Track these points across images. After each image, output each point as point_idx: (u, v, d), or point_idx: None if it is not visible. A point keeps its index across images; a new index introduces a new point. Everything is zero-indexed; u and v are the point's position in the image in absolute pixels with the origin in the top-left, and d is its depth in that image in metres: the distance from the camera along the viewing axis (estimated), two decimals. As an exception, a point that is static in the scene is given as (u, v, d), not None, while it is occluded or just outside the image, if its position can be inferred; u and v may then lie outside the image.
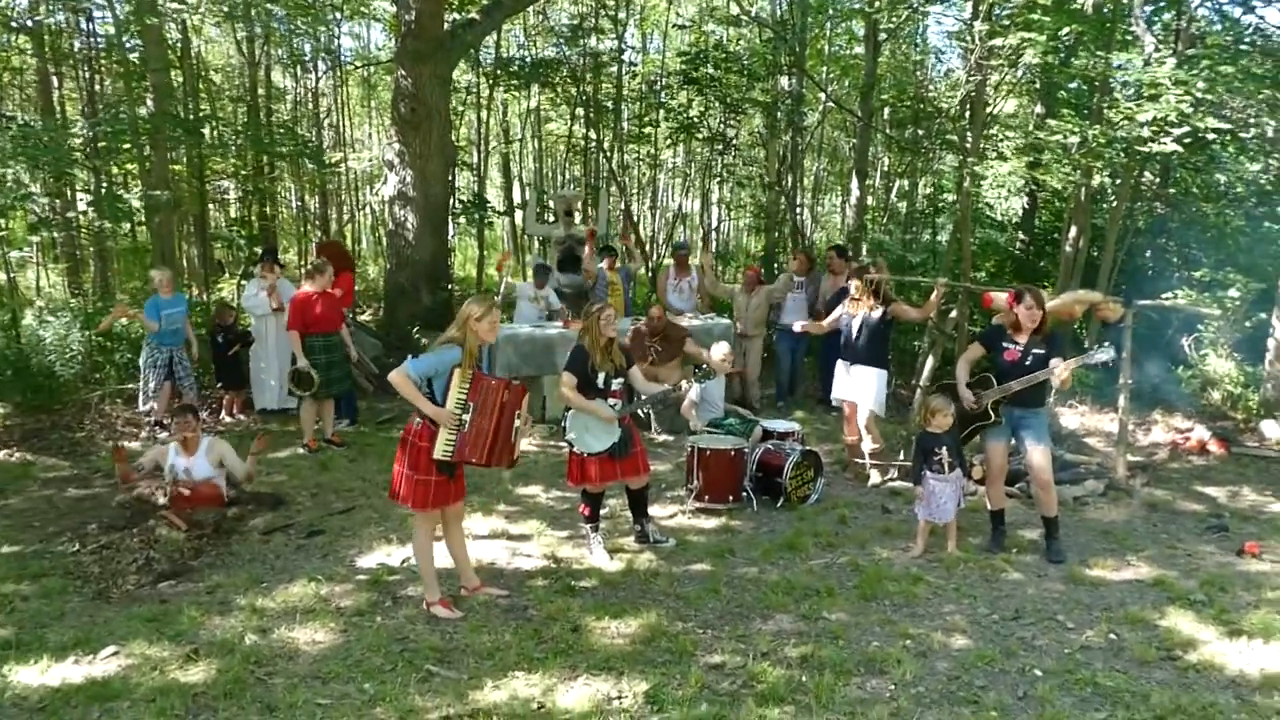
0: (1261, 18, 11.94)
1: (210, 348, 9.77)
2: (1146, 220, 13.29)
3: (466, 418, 4.91)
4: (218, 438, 7.00)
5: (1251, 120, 10.20)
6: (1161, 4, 11.76)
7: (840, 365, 8.02)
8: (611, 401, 5.88)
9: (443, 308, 12.03)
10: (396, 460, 5.08)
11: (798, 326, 9.09)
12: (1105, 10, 10.68)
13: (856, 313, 7.86)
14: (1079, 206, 11.37)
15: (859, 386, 7.86)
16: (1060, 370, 5.87)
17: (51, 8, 13.02)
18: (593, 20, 16.57)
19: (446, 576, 5.42)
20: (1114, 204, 11.56)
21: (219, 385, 9.86)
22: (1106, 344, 6.17)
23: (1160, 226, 13.25)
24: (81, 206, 13.70)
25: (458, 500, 5.25)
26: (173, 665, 4.45)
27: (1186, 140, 9.05)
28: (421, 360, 4.98)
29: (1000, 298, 7.36)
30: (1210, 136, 8.95)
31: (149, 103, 11.70)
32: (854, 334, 7.86)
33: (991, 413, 6.22)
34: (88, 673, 4.40)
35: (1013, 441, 6.38)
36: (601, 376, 5.86)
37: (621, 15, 16.93)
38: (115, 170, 13.38)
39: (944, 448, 6.19)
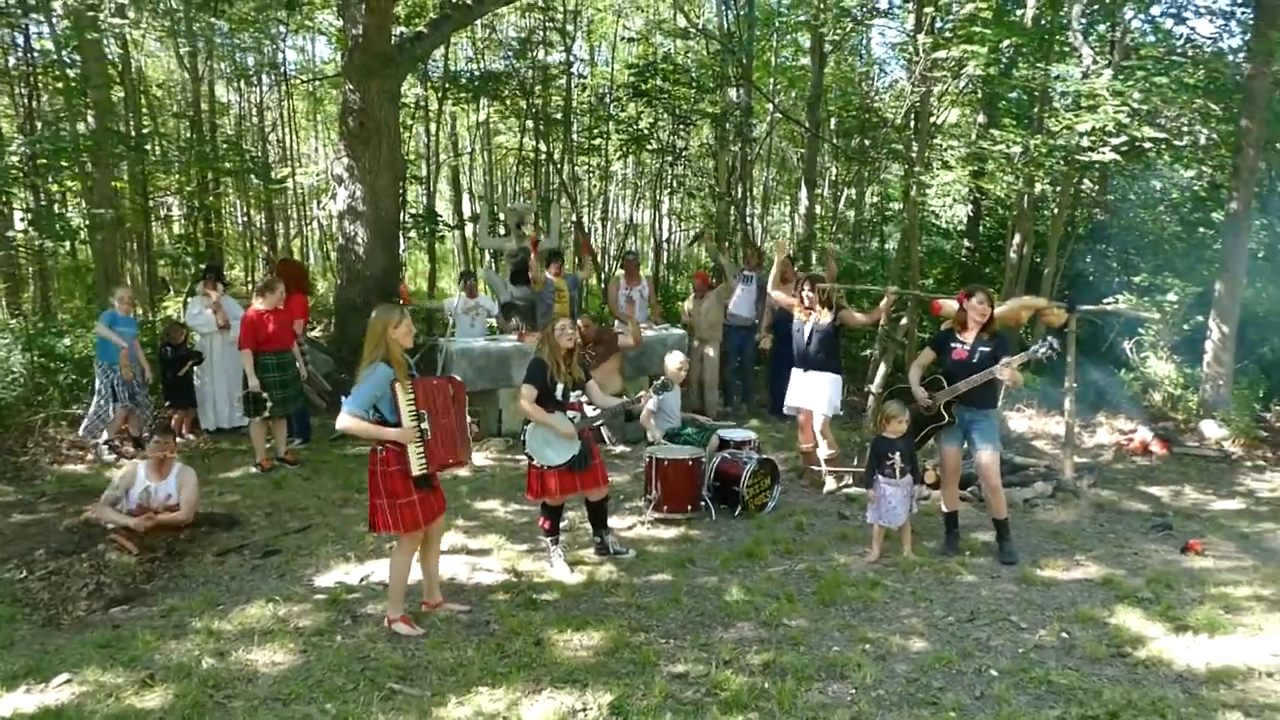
0: (1193, 29, 12.34)
1: (159, 366, 9.60)
2: (1086, 227, 13.62)
3: (426, 425, 4.88)
4: (187, 466, 6.88)
5: (1185, 129, 10.51)
6: (1098, 15, 12.08)
7: (795, 373, 8.10)
8: (570, 414, 5.91)
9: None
10: (373, 494, 4.96)
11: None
12: (1044, 23, 10.95)
13: (808, 320, 7.95)
14: (1021, 214, 11.63)
15: (814, 392, 7.95)
16: (1006, 367, 6.00)
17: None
18: (541, 34, 16.60)
19: (408, 593, 5.38)
20: (1055, 211, 11.83)
21: (166, 405, 9.69)
22: (1048, 338, 6.33)
23: (1100, 233, 13.58)
24: (20, 225, 13.43)
25: (441, 513, 5.23)
26: (128, 691, 4.37)
27: (1124, 149, 9.30)
28: (357, 394, 4.82)
29: (949, 304, 7.50)
30: (1146, 145, 9.20)
31: (90, 119, 11.51)
32: (805, 341, 7.95)
33: (945, 413, 6.34)
34: (40, 701, 4.31)
35: (965, 445, 6.50)
36: (560, 388, 5.89)
37: (570, 28, 16.98)
38: (55, 188, 13.13)
39: (896, 453, 6.29)
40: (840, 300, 8.25)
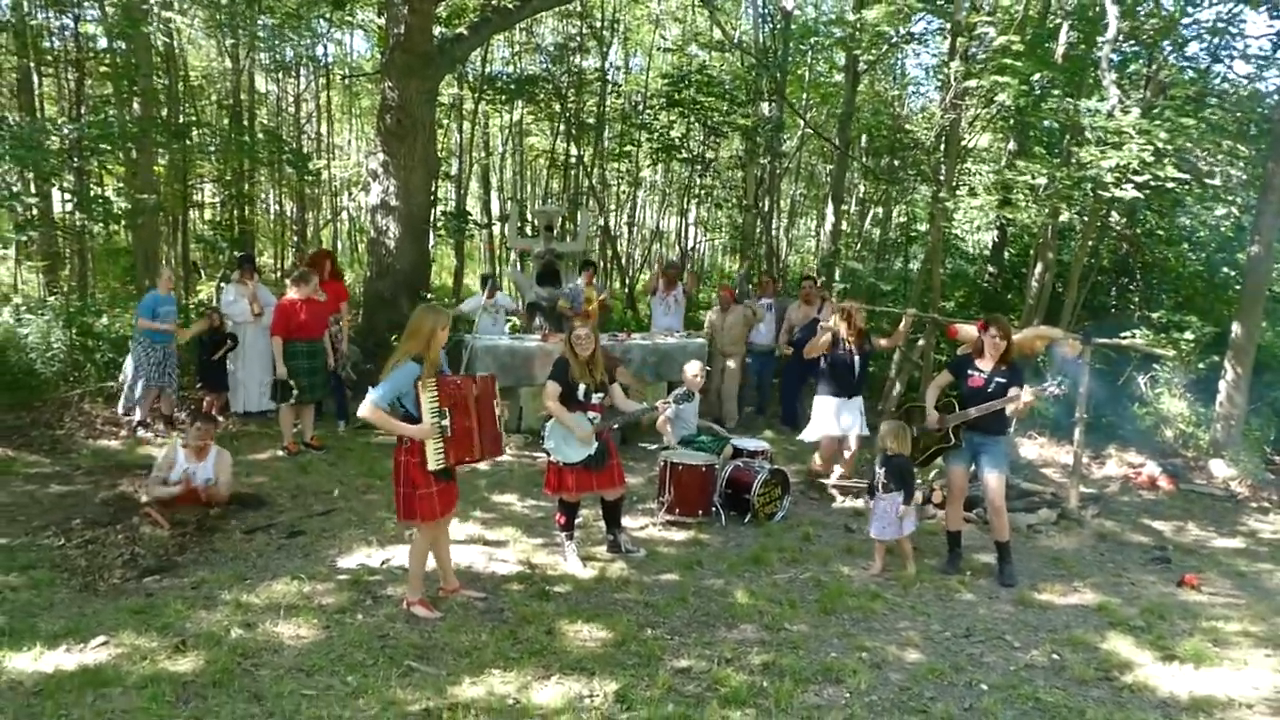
0: (1229, 67, 12.39)
1: (197, 350, 9.89)
2: (1111, 259, 13.73)
3: (446, 423, 5.09)
4: (222, 449, 7.16)
5: (1216, 169, 10.63)
6: (1137, 51, 12.18)
7: (837, 402, 8.28)
8: (590, 415, 6.12)
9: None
10: (397, 484, 5.18)
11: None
12: (1078, 54, 11.08)
13: (855, 348, 8.20)
14: (1045, 243, 11.77)
15: (856, 419, 8.31)
16: (1019, 399, 6.19)
17: (33, 6, 13.11)
18: (578, 39, 16.87)
19: (426, 578, 5.61)
20: (1080, 242, 11.96)
21: (199, 387, 9.98)
22: (1060, 377, 6.50)
23: (1124, 266, 13.70)
24: (61, 206, 13.77)
25: (455, 504, 5.46)
26: (161, 655, 4.63)
27: (1151, 186, 9.42)
28: (384, 387, 5.01)
29: (965, 329, 7.69)
30: (1170, 185, 9.32)
31: (135, 106, 11.82)
32: (856, 370, 8.24)
33: (952, 436, 6.54)
34: (79, 660, 4.57)
35: (973, 467, 6.68)
36: (582, 389, 6.11)
37: (607, 35, 17.23)
38: (96, 171, 13.46)
39: (883, 469, 6.52)
40: (862, 325, 8.47)
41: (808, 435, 8.59)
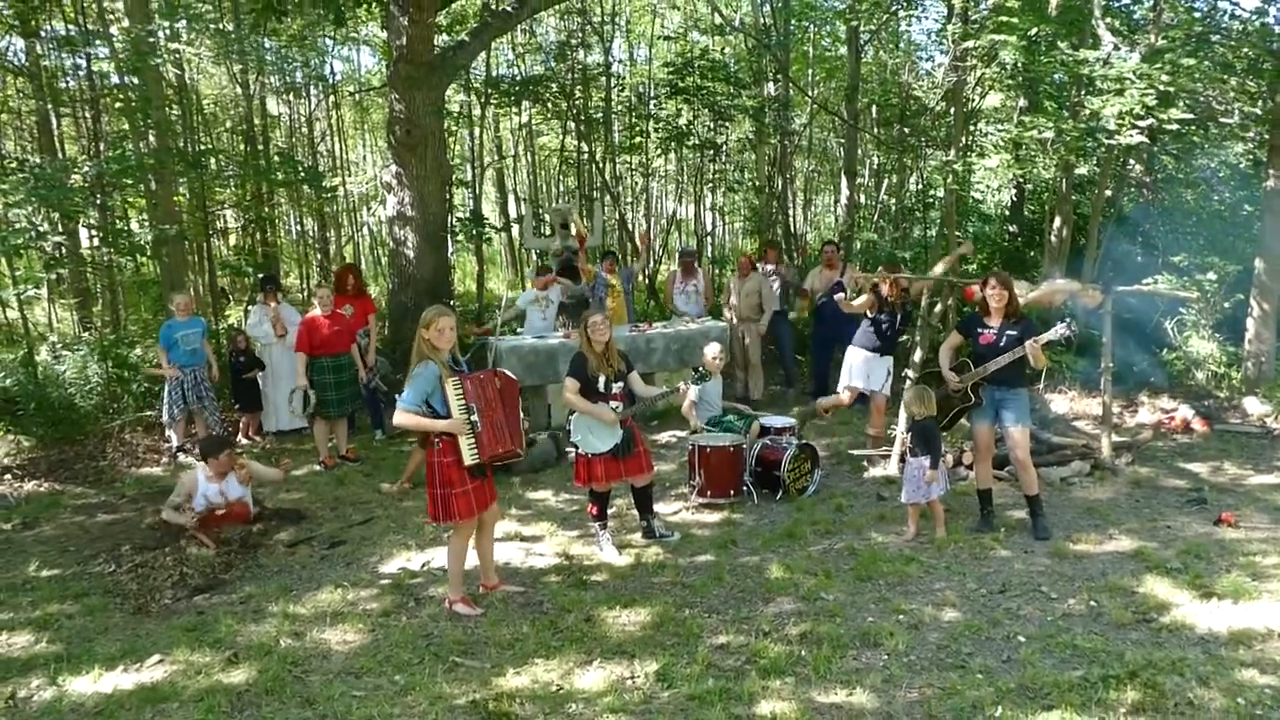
0: (1235, 3, 12.21)
1: (230, 372, 10.10)
2: (1131, 208, 13.60)
3: (475, 418, 5.22)
4: (239, 456, 7.32)
5: (1231, 107, 10.49)
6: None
7: (871, 358, 8.48)
8: (613, 404, 6.22)
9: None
10: (429, 486, 5.32)
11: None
12: (1074, 3, 10.97)
13: (895, 309, 8.42)
14: (1061, 196, 11.69)
15: (884, 376, 8.52)
16: (1031, 346, 6.22)
17: (47, 49, 13.37)
18: (579, 36, 16.92)
19: (466, 576, 5.72)
20: (1097, 192, 11.86)
21: (235, 407, 10.20)
22: (1070, 317, 6.50)
23: (1145, 213, 13.57)
24: (88, 242, 14.02)
25: (493, 500, 5.57)
26: (215, 669, 4.78)
27: (1164, 131, 9.31)
28: (410, 391, 5.18)
29: (981, 290, 7.71)
30: (1173, 126, 9.23)
31: (151, 138, 12.04)
32: (893, 329, 8.53)
33: (971, 394, 6.57)
34: (137, 679, 4.73)
35: (997, 425, 6.69)
36: (602, 380, 6.20)
37: (608, 29, 17.26)
38: (120, 204, 13.71)
39: (909, 434, 6.57)
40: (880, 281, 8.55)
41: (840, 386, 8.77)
